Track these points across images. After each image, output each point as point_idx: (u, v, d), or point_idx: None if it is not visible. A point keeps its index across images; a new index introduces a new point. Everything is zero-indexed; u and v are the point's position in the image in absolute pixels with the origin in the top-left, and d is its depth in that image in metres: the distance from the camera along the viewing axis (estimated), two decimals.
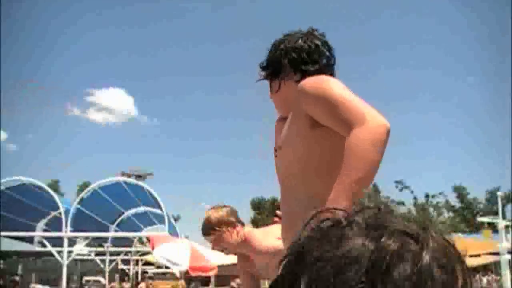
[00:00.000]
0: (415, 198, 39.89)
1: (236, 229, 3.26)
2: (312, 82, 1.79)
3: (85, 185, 47.13)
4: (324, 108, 1.72)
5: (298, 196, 1.83)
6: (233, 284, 13.79)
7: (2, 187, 14.24)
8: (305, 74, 1.90)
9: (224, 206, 3.37)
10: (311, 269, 0.49)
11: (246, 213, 55.07)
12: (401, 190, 38.48)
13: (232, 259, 14.56)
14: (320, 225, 0.53)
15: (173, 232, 15.96)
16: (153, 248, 11.29)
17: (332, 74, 1.95)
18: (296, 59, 1.97)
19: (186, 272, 11.67)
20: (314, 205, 0.78)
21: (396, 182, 38.89)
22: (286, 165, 1.92)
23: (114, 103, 77.94)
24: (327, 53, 2.01)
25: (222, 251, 3.36)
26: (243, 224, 3.34)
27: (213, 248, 3.39)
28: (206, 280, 18.15)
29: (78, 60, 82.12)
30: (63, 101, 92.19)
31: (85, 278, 8.80)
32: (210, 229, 3.27)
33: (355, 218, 0.52)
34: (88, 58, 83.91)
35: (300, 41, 1.98)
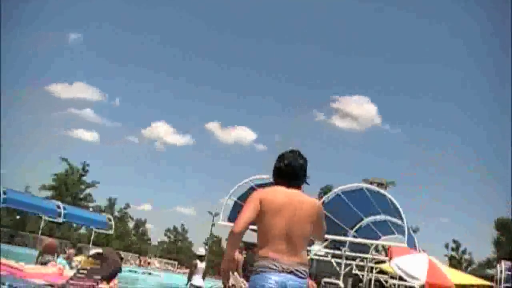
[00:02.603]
0: None
1: None
2: None
3: (327, 188, 48.79)
4: None
5: None
6: None
7: (252, 184, 15.35)
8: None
9: None
10: None
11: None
12: None
13: (467, 279, 13.61)
14: None
15: (411, 244, 15.54)
16: (390, 258, 11.09)
17: (281, 176, 3.55)
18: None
19: (422, 287, 11.23)
20: None
21: None
22: None
23: (358, 110, 78.92)
24: (276, 171, 3.58)
25: None
26: None
27: None
28: None
29: (324, 67, 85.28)
30: (312, 106, 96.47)
31: (325, 279, 9.01)
32: None
33: None
34: (335, 64, 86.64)
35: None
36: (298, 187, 3.55)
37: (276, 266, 3.24)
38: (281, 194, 3.41)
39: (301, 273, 3.28)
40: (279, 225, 3.32)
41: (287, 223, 3.32)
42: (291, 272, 3.24)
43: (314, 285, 11.34)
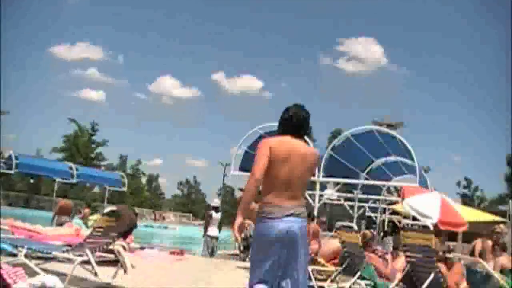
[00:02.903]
0: None
1: None
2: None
3: (337, 132, 48.71)
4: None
5: None
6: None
7: (261, 132, 15.26)
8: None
9: None
10: None
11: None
12: None
13: (482, 216, 13.59)
14: None
15: (423, 184, 15.55)
16: (403, 198, 11.10)
17: (286, 128, 3.86)
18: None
19: (435, 226, 11.26)
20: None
21: None
22: None
23: (364, 52, 78.10)
24: (282, 122, 3.90)
25: None
26: None
27: None
28: (452, 235, 17.36)
29: (328, 10, 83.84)
30: (317, 51, 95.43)
31: (339, 223, 9.14)
32: None
33: None
34: (337, 8, 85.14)
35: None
36: (301, 138, 3.88)
37: (279, 212, 3.61)
38: (286, 144, 3.73)
39: (300, 213, 3.69)
40: (283, 173, 3.65)
41: (290, 171, 3.66)
42: (291, 215, 3.63)
43: (318, 227, 11.51)
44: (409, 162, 15.71)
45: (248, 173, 3.69)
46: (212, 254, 13.28)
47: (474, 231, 11.87)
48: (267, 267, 3.59)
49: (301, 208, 3.73)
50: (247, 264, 6.08)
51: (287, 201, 3.66)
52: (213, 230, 13.29)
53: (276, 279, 3.60)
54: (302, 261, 3.66)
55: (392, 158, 17.34)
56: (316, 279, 8.63)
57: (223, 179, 59.09)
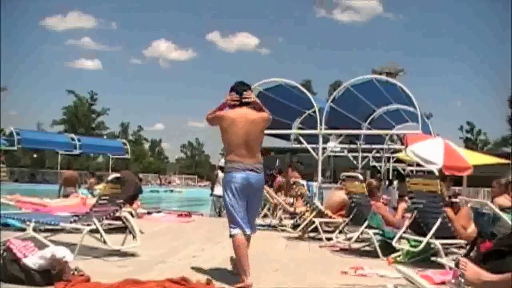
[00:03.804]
0: None
1: None
2: None
3: (337, 84, 48.38)
4: None
5: None
6: None
7: (260, 89, 15.12)
8: None
9: None
10: None
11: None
12: None
13: (484, 159, 13.54)
14: None
15: (425, 130, 15.47)
16: (406, 146, 11.06)
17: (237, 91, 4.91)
18: None
19: (440, 171, 11.26)
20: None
21: None
22: None
23: (358, 1, 76.99)
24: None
25: None
26: None
27: None
28: (457, 180, 17.33)
29: None
30: (311, 3, 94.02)
31: (344, 173, 9.16)
32: None
33: None
34: None
35: None
36: (250, 107, 4.81)
37: (239, 167, 4.60)
38: (234, 113, 4.74)
39: (258, 169, 4.70)
40: (238, 136, 4.63)
41: (243, 134, 4.61)
42: (251, 170, 4.63)
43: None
44: (410, 109, 15.59)
45: None
46: (220, 213, 13.36)
47: (478, 175, 11.83)
48: (237, 208, 4.66)
49: (258, 165, 4.70)
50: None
51: (247, 159, 4.62)
52: (220, 190, 13.35)
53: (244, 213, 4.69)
54: (256, 204, 4.99)
55: (393, 107, 17.21)
56: (324, 231, 8.69)
57: None
